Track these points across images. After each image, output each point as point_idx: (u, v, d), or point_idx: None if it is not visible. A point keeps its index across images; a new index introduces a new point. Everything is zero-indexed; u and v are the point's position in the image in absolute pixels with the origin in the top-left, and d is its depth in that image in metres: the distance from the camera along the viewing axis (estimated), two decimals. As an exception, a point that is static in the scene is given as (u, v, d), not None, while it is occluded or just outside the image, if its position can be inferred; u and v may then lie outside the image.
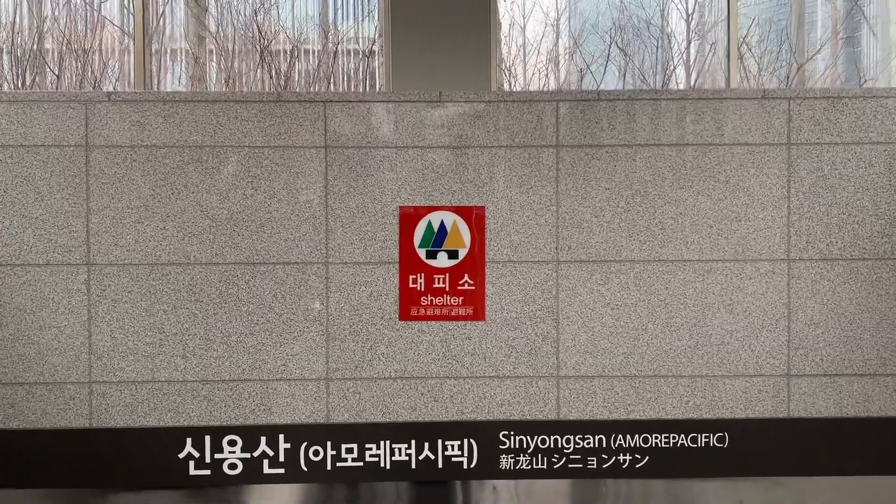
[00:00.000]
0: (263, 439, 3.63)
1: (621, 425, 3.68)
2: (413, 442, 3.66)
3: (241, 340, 3.66)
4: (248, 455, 3.63)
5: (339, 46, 5.28)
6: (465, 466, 3.67)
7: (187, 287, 3.65)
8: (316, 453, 3.65)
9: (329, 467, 3.65)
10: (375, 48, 5.26)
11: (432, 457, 3.67)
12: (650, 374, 3.71)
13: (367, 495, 3.69)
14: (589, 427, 3.68)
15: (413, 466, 3.66)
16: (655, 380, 3.71)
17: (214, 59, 5.35)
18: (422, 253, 3.69)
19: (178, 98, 3.64)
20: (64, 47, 5.31)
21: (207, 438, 3.62)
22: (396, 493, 3.70)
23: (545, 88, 5.52)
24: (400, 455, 3.66)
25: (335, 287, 3.67)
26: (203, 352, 3.66)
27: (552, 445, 3.67)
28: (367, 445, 3.66)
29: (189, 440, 3.62)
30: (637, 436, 3.67)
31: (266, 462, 3.64)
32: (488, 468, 3.67)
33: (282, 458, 3.64)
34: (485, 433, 3.67)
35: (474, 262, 3.69)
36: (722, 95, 3.69)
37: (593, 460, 3.68)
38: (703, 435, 3.68)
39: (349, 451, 3.65)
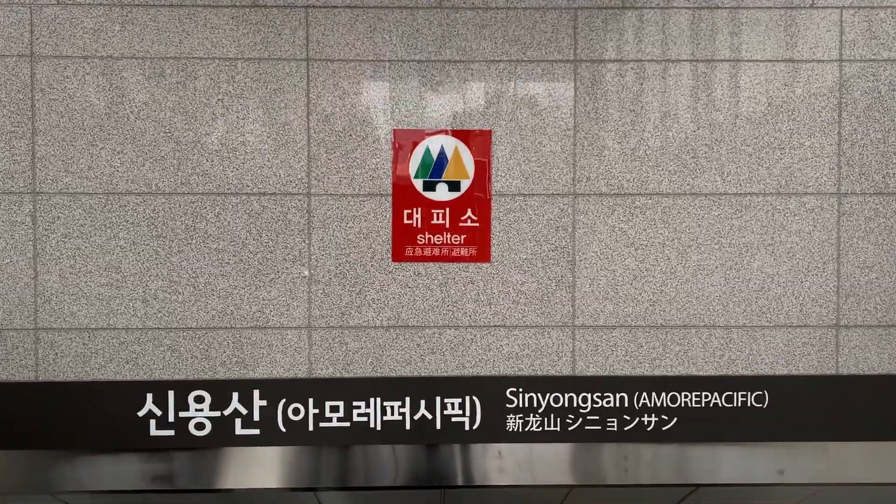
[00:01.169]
0: (236, 396, 3.17)
1: (645, 382, 3.22)
2: (407, 399, 3.20)
3: (211, 283, 3.19)
4: (217, 413, 3.16)
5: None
6: (466, 428, 3.21)
7: (148, 221, 3.17)
8: (296, 412, 3.18)
9: (311, 428, 3.18)
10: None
11: (429, 416, 3.20)
12: (679, 325, 3.25)
13: (355, 459, 3.23)
14: (608, 384, 3.21)
15: (407, 427, 3.20)
16: (685, 331, 3.25)
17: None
18: (418, 184, 3.22)
19: (138, 2, 3.15)
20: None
21: (171, 394, 3.16)
22: (390, 457, 3.23)
23: None
24: (392, 414, 3.20)
25: (318, 222, 3.20)
26: (166, 295, 3.19)
27: (567, 405, 3.21)
28: (355, 403, 3.19)
29: (150, 396, 3.15)
30: (663, 394, 3.21)
31: (238, 422, 3.17)
32: (493, 430, 3.20)
33: (256, 418, 3.17)
34: (490, 390, 3.20)
35: (478, 196, 3.22)
36: (765, 4, 3.20)
37: (613, 422, 3.21)
38: (739, 394, 3.21)
39: (334, 409, 3.18)
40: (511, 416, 3.21)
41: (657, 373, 3.25)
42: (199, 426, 3.16)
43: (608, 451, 3.25)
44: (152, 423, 3.15)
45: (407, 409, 3.20)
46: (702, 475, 3.27)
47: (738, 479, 3.27)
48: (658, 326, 3.25)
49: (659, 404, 3.21)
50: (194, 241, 3.19)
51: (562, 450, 3.24)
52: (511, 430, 3.21)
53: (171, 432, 3.16)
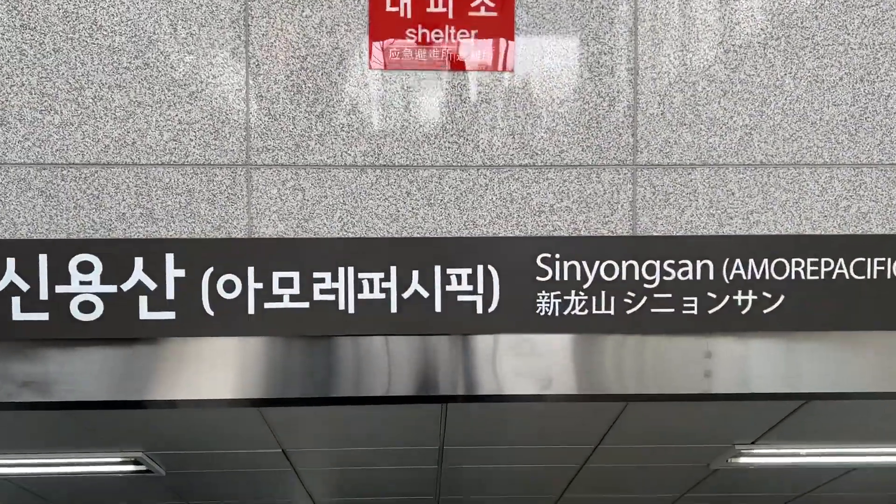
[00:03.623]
0: (139, 263, 2.15)
1: (739, 245, 2.21)
2: (393, 270, 2.19)
3: (102, 96, 2.17)
4: (112, 289, 2.15)
5: None
6: (479, 310, 2.20)
7: (9, 3, 2.14)
8: (229, 287, 2.17)
9: (251, 310, 2.17)
10: None
11: (425, 294, 2.20)
12: (787, 161, 2.25)
13: (316, 358, 2.22)
14: (685, 248, 2.21)
15: (393, 310, 2.19)
16: (795, 171, 2.25)
17: None
18: (408, -45, 2.19)
19: None
20: None
21: (43, 260, 2.13)
22: (367, 354, 2.23)
23: None
24: (371, 291, 2.19)
25: (259, 9, 2.17)
26: (37, 115, 2.16)
27: (625, 277, 2.20)
28: (317, 275, 2.18)
29: (11, 263, 2.13)
30: (765, 262, 2.20)
31: (144, 301, 2.15)
32: (518, 314, 2.20)
33: (171, 295, 2.16)
34: (513, 257, 2.20)
35: (496, -27, 2.20)
36: None
37: (692, 302, 2.21)
38: (875, 261, 2.21)
39: (286, 283, 2.17)
40: (544, 294, 2.20)
41: (755, 231, 2.24)
42: (86, 307, 2.14)
43: (684, 345, 2.24)
44: (15, 302, 2.13)
45: (392, 284, 2.19)
46: (815, 381, 2.28)
47: (870, 387, 2.28)
48: (757, 165, 2.24)
49: (758, 276, 2.20)
50: (78, 35, 2.16)
51: (615, 344, 2.24)
52: (543, 313, 2.20)
53: (45, 316, 2.13)
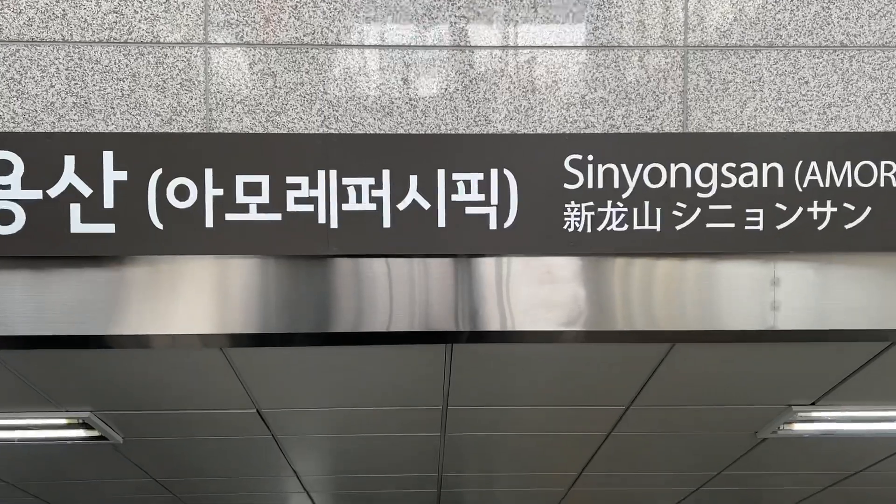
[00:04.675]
0: (70, 163, 1.72)
1: (814, 145, 1.78)
2: (385, 175, 1.76)
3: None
4: (36, 195, 1.72)
5: None
6: (492, 225, 1.77)
7: None
8: (182, 194, 1.75)
9: (209, 223, 1.75)
10: None
11: (425, 205, 1.77)
12: (874, 42, 1.81)
13: (292, 283, 1.80)
14: (748, 148, 1.78)
15: (386, 224, 1.77)
16: (885, 53, 1.82)
17: None
18: None
19: None
20: None
21: (-51, 158, 1.71)
22: (352, 279, 1.80)
23: None
24: (360, 201, 1.77)
25: None
26: (-58, -21, 1.74)
27: (673, 184, 1.78)
28: (291, 180, 1.76)
29: None
30: (847, 166, 1.78)
31: (77, 210, 1.73)
32: (540, 231, 1.77)
33: (109, 203, 1.74)
34: (535, 159, 1.77)
35: None
36: None
37: (757, 216, 1.78)
38: (984, 163, 1.78)
39: (252, 189, 1.75)
40: (573, 205, 1.78)
41: (834, 127, 1.82)
42: (4, 217, 1.72)
43: (746, 269, 1.82)
44: (-86, 210, 1.71)
45: (385, 193, 1.77)
46: (906, 316, 1.85)
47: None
48: (836, 46, 1.81)
49: (839, 183, 1.78)
50: None
51: (661, 269, 1.82)
52: (572, 230, 1.78)
53: (-50, 229, 1.72)
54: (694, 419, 2.65)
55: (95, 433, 2.53)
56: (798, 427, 2.62)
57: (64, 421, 2.45)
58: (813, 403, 2.48)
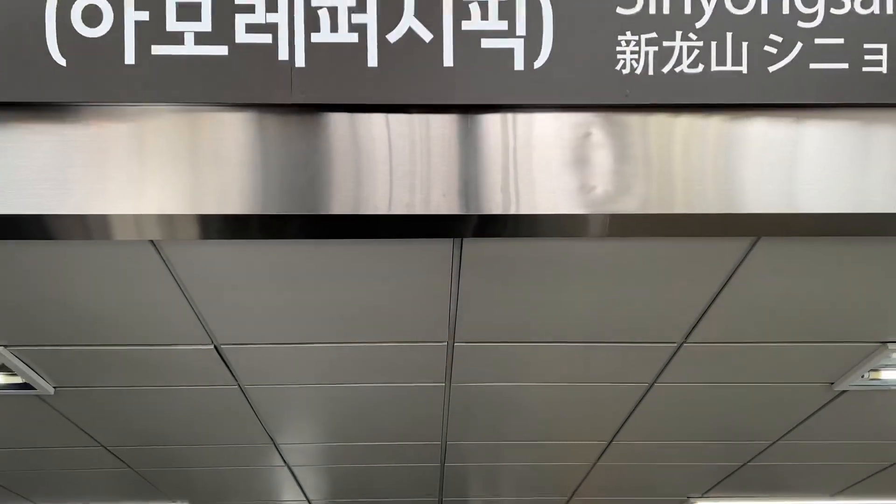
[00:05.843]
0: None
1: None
2: (372, -6, 1.28)
3: None
4: None
5: None
6: (517, 65, 1.30)
7: None
8: (92, 18, 1.28)
9: (130, 58, 1.28)
10: None
11: (426, 36, 1.30)
12: None
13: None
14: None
15: (372, 62, 1.30)
16: None
17: None
18: None
19: None
20: None
21: None
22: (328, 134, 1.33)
23: None
24: (336, 30, 1.30)
25: None
26: None
27: (765, 9, 1.30)
28: (242, 0, 1.27)
29: None
30: None
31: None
32: (584, 72, 1.30)
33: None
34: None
35: None
36: None
37: (880, 52, 1.30)
38: None
39: (189, 13, 1.28)
40: (629, 37, 1.30)
41: None
42: None
43: (861, 130, 1.33)
44: None
45: (370, 18, 1.29)
46: None
47: None
48: None
49: None
50: None
51: (748, 128, 1.33)
52: (628, 71, 1.30)
53: None
54: (763, 362, 2.13)
55: (17, 379, 2.03)
56: (886, 376, 2.12)
57: (-31, 364, 1.96)
58: (915, 343, 1.98)
